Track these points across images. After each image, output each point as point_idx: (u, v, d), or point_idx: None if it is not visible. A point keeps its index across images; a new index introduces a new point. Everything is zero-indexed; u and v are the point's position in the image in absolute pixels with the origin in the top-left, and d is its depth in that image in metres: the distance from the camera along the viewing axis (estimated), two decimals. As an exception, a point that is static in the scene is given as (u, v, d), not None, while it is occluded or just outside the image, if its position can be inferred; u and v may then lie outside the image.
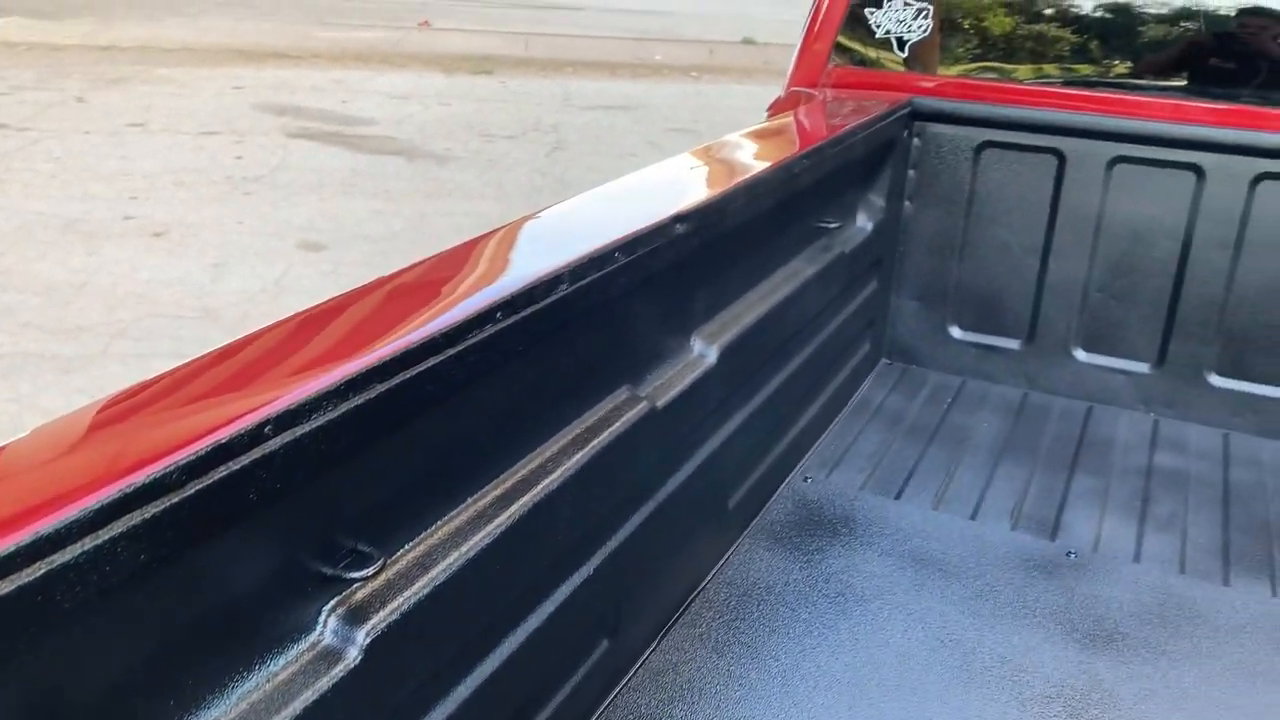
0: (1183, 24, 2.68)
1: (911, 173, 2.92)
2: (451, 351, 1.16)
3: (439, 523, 1.28)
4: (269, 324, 1.19)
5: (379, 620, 1.12)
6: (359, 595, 1.13)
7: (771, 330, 2.16)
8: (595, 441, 1.54)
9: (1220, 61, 2.67)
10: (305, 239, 5.72)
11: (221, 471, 0.89)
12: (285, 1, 15.67)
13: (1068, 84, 2.77)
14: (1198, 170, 2.60)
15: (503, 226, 1.63)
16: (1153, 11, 2.72)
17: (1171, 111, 2.62)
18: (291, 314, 1.22)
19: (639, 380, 1.74)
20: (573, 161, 7.74)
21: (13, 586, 0.72)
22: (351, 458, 1.07)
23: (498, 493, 1.37)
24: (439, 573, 1.22)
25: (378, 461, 1.14)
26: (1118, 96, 2.69)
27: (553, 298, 1.35)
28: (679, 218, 1.66)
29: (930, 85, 2.89)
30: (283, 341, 1.17)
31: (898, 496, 2.44)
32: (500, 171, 7.34)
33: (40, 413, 3.67)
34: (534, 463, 1.46)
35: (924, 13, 2.86)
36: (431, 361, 1.13)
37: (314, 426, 0.98)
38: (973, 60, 2.90)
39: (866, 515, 2.35)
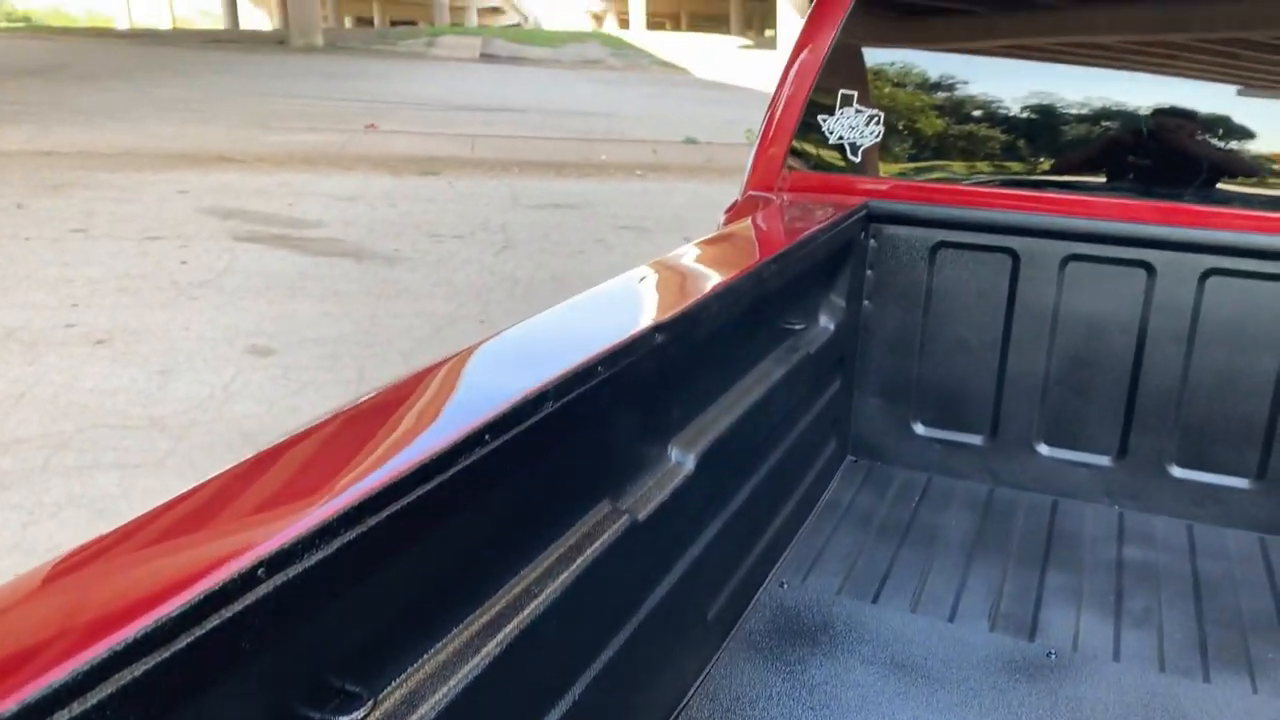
0: (1122, 126, 2.78)
1: (869, 273, 2.96)
2: (443, 477, 1.13)
3: (427, 655, 1.23)
4: (250, 455, 1.14)
5: None
6: None
7: (745, 434, 2.14)
8: (579, 560, 1.49)
9: (1162, 162, 2.76)
10: (253, 343, 5.63)
11: (214, 620, 0.84)
12: (230, 106, 15.76)
13: (1019, 185, 2.84)
14: (1148, 267, 2.68)
15: (478, 343, 1.59)
16: (1091, 114, 2.82)
17: (1120, 210, 2.70)
18: (275, 442, 1.17)
19: (619, 493, 1.71)
20: (523, 259, 7.77)
21: None
22: (342, 594, 1.02)
23: (485, 619, 1.32)
24: (428, 710, 1.16)
25: (366, 596, 1.09)
26: (1068, 197, 2.77)
27: (538, 415, 1.32)
28: (658, 327, 1.65)
29: (884, 188, 2.95)
30: (266, 472, 1.13)
31: (875, 600, 2.41)
32: (450, 271, 7.34)
33: (-24, 533, 3.51)
34: (518, 587, 1.41)
35: (875, 119, 2.94)
36: (425, 488, 1.09)
37: (307, 565, 0.93)
38: (910, 160, 2.97)
39: (845, 621, 2.31)
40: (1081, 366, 2.81)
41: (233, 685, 0.90)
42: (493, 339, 1.61)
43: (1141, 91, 2.75)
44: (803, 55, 2.99)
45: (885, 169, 2.97)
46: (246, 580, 0.87)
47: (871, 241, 2.93)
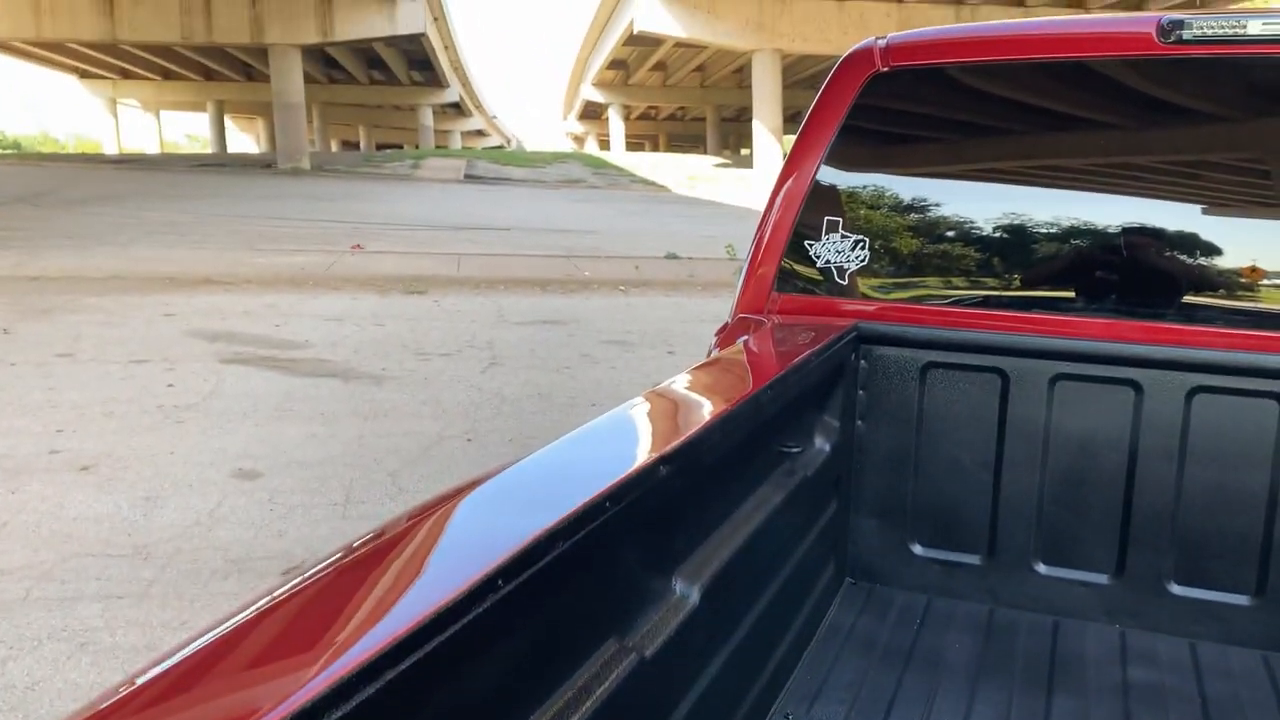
0: (1102, 246, 2.86)
1: (861, 393, 2.99)
2: (456, 627, 1.11)
3: None
4: (241, 610, 1.10)
5: None
6: None
7: (747, 561, 2.13)
8: (588, 703, 1.46)
9: (1143, 281, 2.83)
10: (240, 467, 5.59)
11: None
12: (218, 228, 15.97)
13: (1006, 305, 2.90)
14: (1136, 385, 2.71)
15: (477, 479, 1.57)
16: (1076, 235, 2.90)
17: (1105, 330, 2.75)
18: (270, 595, 1.14)
19: (626, 630, 1.68)
20: (510, 376, 7.80)
21: None
22: None
23: None
24: None
25: None
26: (1054, 317, 2.82)
27: (550, 556, 1.31)
28: (663, 459, 1.65)
29: (872, 309, 3.00)
30: (264, 626, 1.11)
31: (881, 729, 2.36)
32: (437, 389, 7.35)
33: (-47, 671, 3.41)
34: None
35: (861, 244, 3.01)
36: (439, 639, 1.08)
37: None
38: (896, 282, 3.03)
39: None
40: (1075, 484, 2.82)
41: None
42: (491, 476, 1.60)
43: (1119, 212, 2.83)
44: (788, 183, 3.08)
45: (873, 290, 3.03)
46: None
47: (862, 363, 2.97)
